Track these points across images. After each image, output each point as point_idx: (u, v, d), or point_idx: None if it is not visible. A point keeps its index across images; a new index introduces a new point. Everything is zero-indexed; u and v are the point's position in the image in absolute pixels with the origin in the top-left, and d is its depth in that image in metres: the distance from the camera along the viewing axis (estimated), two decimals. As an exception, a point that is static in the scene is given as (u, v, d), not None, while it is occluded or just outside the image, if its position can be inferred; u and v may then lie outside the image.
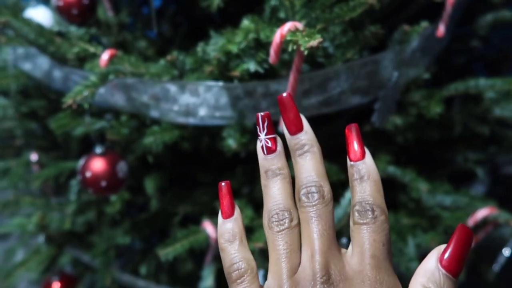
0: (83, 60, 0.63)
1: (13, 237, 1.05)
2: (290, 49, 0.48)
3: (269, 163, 0.33)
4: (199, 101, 0.58)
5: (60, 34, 0.66)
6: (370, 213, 0.30)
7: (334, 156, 0.56)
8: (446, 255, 0.28)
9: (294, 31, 0.48)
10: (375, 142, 0.72)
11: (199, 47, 0.59)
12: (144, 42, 0.71)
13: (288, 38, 0.48)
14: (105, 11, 0.71)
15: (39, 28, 0.64)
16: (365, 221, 0.30)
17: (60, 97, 0.55)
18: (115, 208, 0.69)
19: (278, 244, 0.30)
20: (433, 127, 0.73)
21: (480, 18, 0.82)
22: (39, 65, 0.70)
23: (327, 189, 0.31)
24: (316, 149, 0.33)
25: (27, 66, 0.72)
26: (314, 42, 0.45)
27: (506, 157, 0.84)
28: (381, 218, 0.30)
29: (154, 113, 0.61)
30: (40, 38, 0.63)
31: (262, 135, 0.33)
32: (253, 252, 0.34)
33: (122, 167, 0.63)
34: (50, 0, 0.70)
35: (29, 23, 0.64)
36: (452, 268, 0.28)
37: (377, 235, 0.29)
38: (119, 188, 0.64)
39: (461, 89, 0.67)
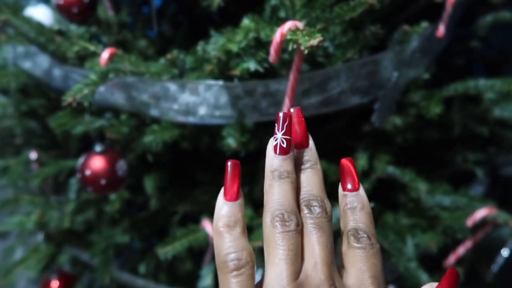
0: (83, 58, 0.63)
1: (12, 236, 1.05)
2: (290, 48, 0.48)
3: (279, 164, 0.31)
4: (199, 100, 0.58)
5: (60, 32, 0.66)
6: (366, 239, 0.30)
7: (334, 156, 0.56)
8: None
9: (295, 30, 0.48)
10: (375, 142, 0.72)
11: (199, 46, 0.59)
12: (144, 41, 0.71)
13: (289, 37, 0.48)
14: (105, 10, 0.71)
15: (39, 27, 0.64)
16: (362, 246, 0.30)
17: (60, 95, 0.55)
18: (114, 207, 0.69)
19: (282, 244, 0.28)
20: (432, 128, 0.73)
21: (480, 19, 0.82)
22: (39, 63, 0.70)
23: (329, 206, 0.31)
24: (319, 166, 0.33)
25: (27, 65, 0.72)
26: (314, 41, 0.45)
27: (505, 158, 0.84)
28: (377, 246, 0.30)
29: (154, 112, 0.61)
30: (40, 37, 0.63)
31: (279, 134, 0.31)
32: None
33: (121, 165, 0.63)
34: (51, -1, 0.70)
35: (29, 21, 0.64)
36: None
37: (376, 259, 0.30)
38: (118, 187, 0.64)
39: (461, 90, 0.67)
